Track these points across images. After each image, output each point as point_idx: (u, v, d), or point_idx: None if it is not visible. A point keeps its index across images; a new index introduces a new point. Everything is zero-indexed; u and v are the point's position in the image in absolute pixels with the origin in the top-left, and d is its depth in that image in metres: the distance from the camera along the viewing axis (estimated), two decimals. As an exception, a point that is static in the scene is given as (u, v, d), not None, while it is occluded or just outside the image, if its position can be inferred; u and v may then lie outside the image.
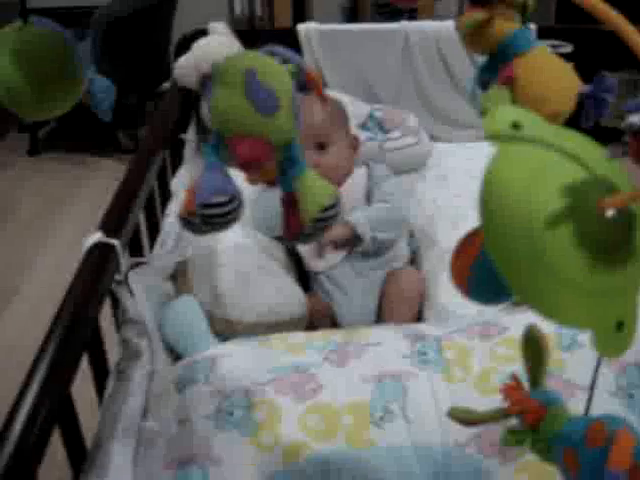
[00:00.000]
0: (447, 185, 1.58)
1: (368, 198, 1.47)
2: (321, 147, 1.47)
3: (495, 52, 0.95)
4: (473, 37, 0.94)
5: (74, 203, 3.13)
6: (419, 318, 1.38)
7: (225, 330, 1.28)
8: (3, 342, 2.36)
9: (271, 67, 0.75)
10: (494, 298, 0.66)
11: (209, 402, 1.03)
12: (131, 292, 1.13)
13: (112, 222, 1.14)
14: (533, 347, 0.73)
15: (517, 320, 1.14)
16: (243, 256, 1.38)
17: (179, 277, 1.34)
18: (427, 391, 1.03)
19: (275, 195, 1.48)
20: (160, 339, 1.13)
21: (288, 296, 1.34)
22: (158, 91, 3.53)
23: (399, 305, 1.37)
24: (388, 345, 1.11)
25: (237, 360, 1.11)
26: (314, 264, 1.44)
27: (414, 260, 1.51)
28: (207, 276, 1.33)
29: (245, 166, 0.78)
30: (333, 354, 1.10)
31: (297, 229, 0.85)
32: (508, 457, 0.97)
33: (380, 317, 1.40)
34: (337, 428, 1.01)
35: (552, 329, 1.08)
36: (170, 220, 1.44)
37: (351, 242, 1.40)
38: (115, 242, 1.10)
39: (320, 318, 1.38)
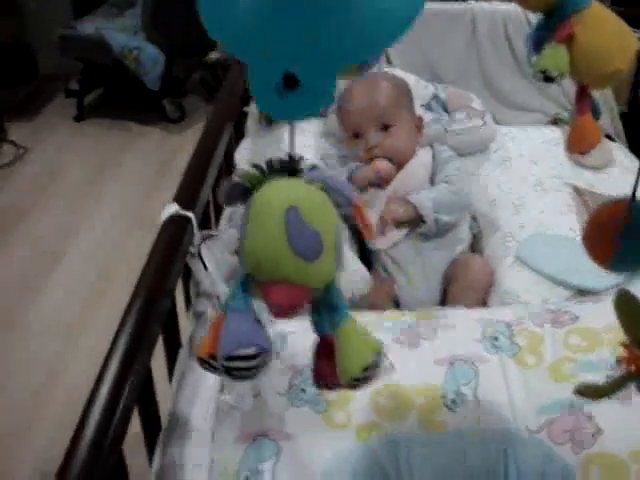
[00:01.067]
0: (510, 169, 1.57)
1: (432, 179, 1.46)
2: (385, 128, 1.46)
3: (550, 10, 0.94)
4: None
5: (120, 170, 3.15)
6: (484, 304, 1.38)
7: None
8: (51, 302, 2.40)
9: (316, 202, 0.63)
10: None
11: (281, 379, 1.04)
12: (204, 265, 1.14)
13: (187, 195, 1.15)
14: (628, 309, 0.71)
15: (588, 309, 1.13)
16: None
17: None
18: (499, 376, 1.03)
19: (336, 170, 1.50)
20: None
21: (351, 272, 1.34)
22: (205, 61, 3.55)
23: (467, 291, 1.36)
24: (459, 329, 1.11)
25: (306, 337, 1.11)
26: (377, 241, 1.43)
27: (475, 244, 1.50)
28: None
29: (278, 311, 0.68)
30: (404, 335, 1.10)
31: (332, 380, 0.74)
32: (580, 446, 0.97)
33: (445, 302, 1.39)
34: (409, 409, 1.01)
35: None
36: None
37: (413, 222, 1.40)
38: (191, 215, 1.10)
39: (382, 297, 1.38)
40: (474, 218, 1.52)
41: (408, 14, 0.55)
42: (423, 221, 1.38)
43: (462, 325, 1.11)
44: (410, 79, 1.62)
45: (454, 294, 1.38)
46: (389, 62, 1.76)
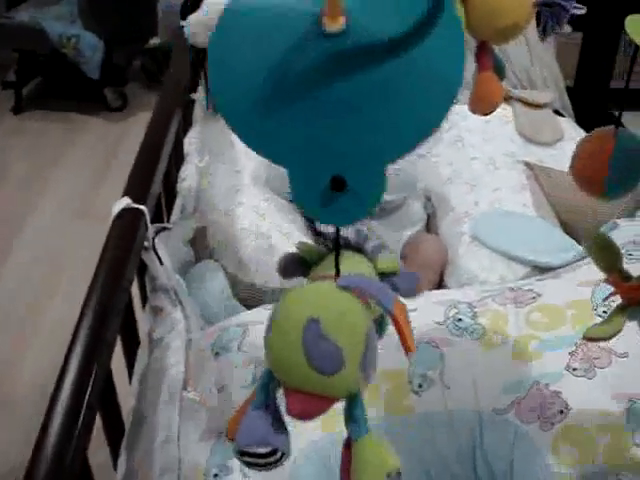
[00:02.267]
0: (463, 148, 1.56)
1: None
2: None
3: None
4: None
5: (63, 162, 3.07)
6: (440, 283, 1.37)
7: (249, 296, 1.26)
8: (1, 298, 2.32)
9: (343, 314, 0.58)
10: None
11: (244, 371, 1.02)
12: (159, 259, 1.11)
13: (138, 187, 1.11)
14: (605, 248, 0.78)
15: (548, 286, 1.13)
16: (264, 220, 1.36)
17: (198, 242, 1.32)
18: (464, 358, 1.03)
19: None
20: (192, 306, 1.11)
21: (311, 261, 1.32)
22: (146, 47, 3.48)
23: (420, 271, 1.36)
24: (422, 312, 1.09)
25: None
26: (324, 226, 1.41)
27: (430, 224, 1.49)
28: (229, 241, 1.31)
29: (295, 416, 0.62)
30: (366, 321, 1.09)
31: None
32: (548, 422, 0.97)
33: None
34: (376, 396, 1.00)
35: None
36: (186, 184, 1.41)
37: None
38: (143, 208, 1.07)
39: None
40: (428, 198, 1.52)
41: (450, 96, 0.53)
42: None
43: (425, 308, 1.10)
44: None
45: (409, 265, 1.37)
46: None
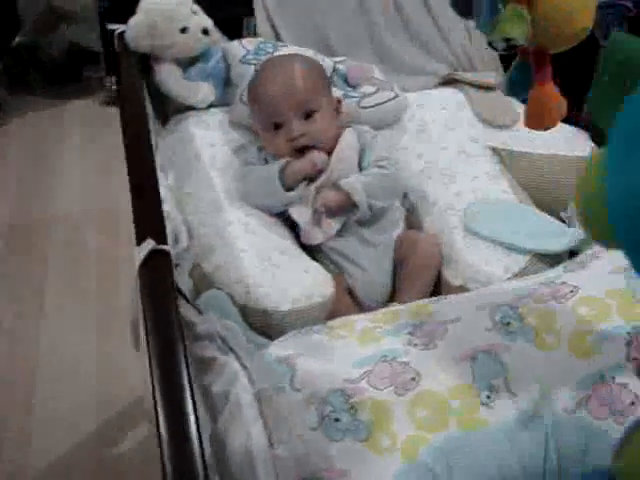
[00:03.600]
0: (429, 138, 1.54)
1: (359, 163, 1.40)
2: (307, 115, 1.37)
3: None
4: None
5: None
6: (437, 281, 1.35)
7: (261, 322, 1.19)
8: None
9: None
10: None
11: (308, 411, 0.96)
12: (187, 300, 1.01)
13: (154, 225, 1.01)
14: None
15: (582, 277, 1.14)
16: (257, 238, 1.28)
17: (194, 271, 1.22)
18: (524, 363, 1.01)
19: (263, 167, 1.39)
20: (245, 349, 1.02)
21: (316, 276, 1.26)
22: (12, 46, 3.21)
23: (421, 271, 1.33)
24: (466, 320, 1.07)
25: (312, 358, 1.03)
26: (313, 236, 1.35)
27: (412, 220, 1.46)
28: (230, 265, 1.22)
29: None
30: (413, 337, 1.05)
31: None
32: (621, 416, 0.97)
33: (399, 285, 1.35)
34: (447, 414, 0.97)
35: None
36: (166, 207, 1.30)
37: (347, 209, 1.34)
38: (168, 249, 0.97)
39: (340, 296, 1.31)
40: (404, 195, 1.48)
41: None
42: (356, 207, 1.33)
43: (467, 315, 1.08)
44: (308, 54, 1.54)
45: (407, 275, 1.34)
46: (279, 39, 1.65)
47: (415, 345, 1.04)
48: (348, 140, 1.41)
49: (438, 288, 1.35)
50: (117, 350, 2.16)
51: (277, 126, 1.38)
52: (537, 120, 1.08)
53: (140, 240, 0.97)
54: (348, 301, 1.32)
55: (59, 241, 2.55)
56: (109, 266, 2.45)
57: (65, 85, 3.33)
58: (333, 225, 1.35)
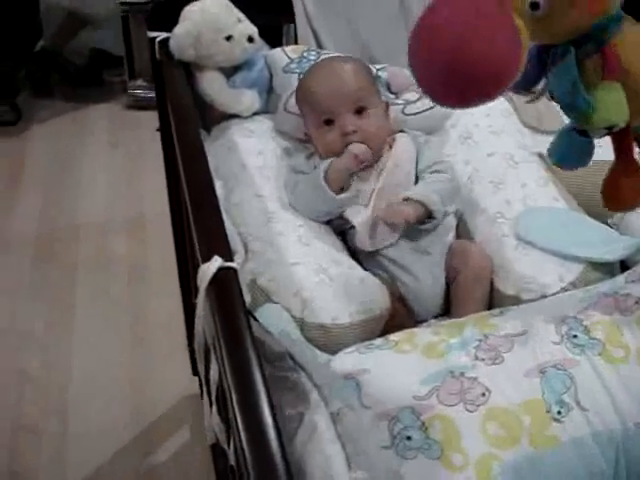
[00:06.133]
0: (475, 145, 1.52)
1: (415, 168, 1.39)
2: (359, 111, 1.36)
3: (579, 38, 0.79)
4: (543, 21, 0.75)
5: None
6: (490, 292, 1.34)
7: (318, 336, 1.17)
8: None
9: None
10: None
11: (379, 429, 0.94)
12: (255, 318, 1.00)
13: (219, 241, 1.00)
14: None
15: (646, 289, 1.12)
16: (310, 248, 1.27)
17: (251, 286, 1.21)
18: (594, 377, 1.00)
19: (309, 176, 1.38)
20: (316, 368, 1.01)
21: (373, 287, 1.24)
22: (35, 51, 3.20)
23: (475, 283, 1.31)
24: (534, 333, 1.06)
25: (379, 374, 1.02)
26: (368, 243, 1.33)
27: (460, 229, 1.44)
28: (284, 279, 1.21)
29: None
30: (481, 352, 1.04)
31: None
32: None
33: (453, 298, 1.34)
34: (519, 431, 0.96)
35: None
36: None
37: (422, 219, 1.32)
38: (236, 266, 0.96)
39: (397, 306, 1.29)
40: (452, 201, 1.46)
41: None
42: (432, 217, 1.31)
43: (534, 328, 1.06)
44: (351, 61, 1.52)
45: (461, 288, 1.32)
46: (319, 45, 1.64)
47: (482, 360, 1.02)
48: (404, 144, 1.40)
49: (490, 297, 1.33)
50: (150, 358, 2.16)
51: (328, 122, 1.37)
52: (620, 202, 1.02)
53: (206, 258, 0.95)
54: (403, 312, 1.30)
55: (87, 249, 2.55)
56: (139, 273, 2.45)
57: (87, 89, 3.33)
58: (395, 233, 1.33)
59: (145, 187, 2.76)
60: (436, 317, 1.35)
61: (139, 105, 3.17)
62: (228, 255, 0.97)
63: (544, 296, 1.24)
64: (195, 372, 2.02)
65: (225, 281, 0.93)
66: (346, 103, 1.35)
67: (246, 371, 0.82)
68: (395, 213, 1.29)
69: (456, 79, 0.77)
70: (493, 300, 1.32)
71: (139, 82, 3.17)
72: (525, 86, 0.89)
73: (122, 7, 2.94)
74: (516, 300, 1.26)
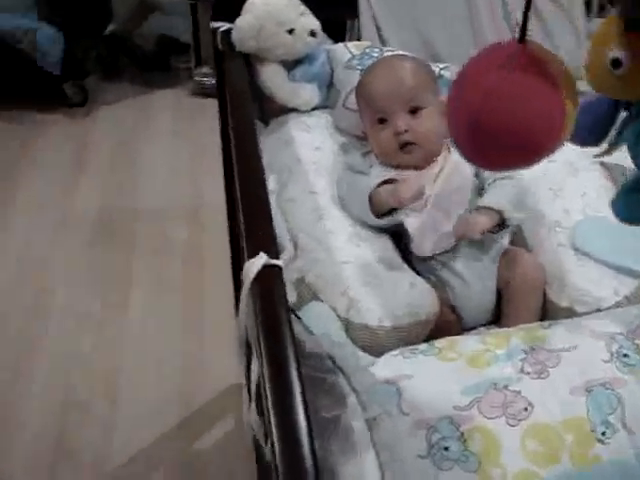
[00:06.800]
0: (535, 149, 1.48)
1: (476, 173, 1.36)
2: (414, 111, 1.34)
3: None
4: (625, 79, 0.72)
5: (27, 166, 2.85)
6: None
7: (363, 337, 1.16)
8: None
9: None
10: None
11: (417, 437, 0.93)
12: (297, 316, 1.00)
13: (266, 239, 0.99)
14: None
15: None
16: (360, 248, 1.26)
17: (298, 283, 1.20)
18: (642, 398, 0.97)
19: (358, 181, 1.36)
20: (356, 372, 1.00)
21: (422, 291, 1.23)
22: (104, 35, 3.26)
23: (527, 297, 1.28)
24: (583, 350, 1.03)
25: (421, 381, 1.01)
26: (424, 248, 1.32)
27: (514, 236, 1.41)
28: (332, 277, 1.20)
29: None
30: (525, 364, 1.01)
31: None
32: None
33: (504, 309, 1.31)
34: (560, 450, 0.93)
35: None
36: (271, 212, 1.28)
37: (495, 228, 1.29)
38: (280, 263, 0.95)
39: (446, 312, 1.27)
40: (509, 207, 1.43)
41: None
42: (505, 225, 1.29)
43: (584, 344, 1.04)
44: (413, 60, 1.50)
45: (513, 298, 1.29)
46: (383, 42, 1.62)
47: (527, 373, 1.00)
48: None
49: (543, 308, 1.30)
50: (201, 345, 2.18)
51: (382, 121, 1.35)
52: None
53: (252, 254, 0.95)
54: (451, 318, 1.28)
55: (145, 233, 2.59)
56: (195, 261, 2.47)
57: (154, 74, 3.38)
58: (451, 239, 1.31)
59: (205, 174, 2.78)
60: (485, 325, 1.32)
61: (204, 92, 3.20)
62: (274, 252, 0.96)
63: (598, 309, 1.21)
64: (244, 360, 2.03)
65: (269, 279, 0.92)
66: (400, 102, 1.33)
67: (283, 372, 0.82)
68: (472, 227, 1.26)
69: (478, 146, 0.77)
70: (546, 312, 1.29)
71: (205, 69, 3.20)
72: (594, 141, 0.88)
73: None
74: (570, 312, 1.23)
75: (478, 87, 0.74)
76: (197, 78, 3.24)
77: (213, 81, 3.14)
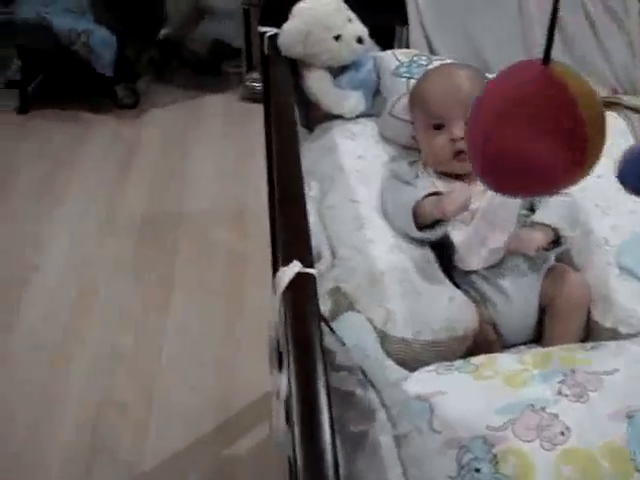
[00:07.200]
0: (584, 165, 1.44)
1: None
2: None
3: None
4: None
5: (77, 166, 2.89)
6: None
7: (399, 350, 1.14)
8: (28, 331, 2.19)
9: None
10: None
11: (447, 457, 0.90)
12: (329, 327, 0.98)
13: (301, 247, 0.97)
14: None
15: None
16: (400, 259, 1.23)
17: (334, 292, 1.18)
18: (686, 427, 0.93)
19: (402, 191, 1.33)
20: (386, 387, 0.98)
21: (461, 306, 1.19)
22: (157, 39, 3.29)
23: (571, 316, 1.24)
24: (625, 373, 0.99)
25: (454, 398, 0.98)
26: (471, 261, 1.28)
27: (561, 253, 1.37)
28: (370, 288, 1.17)
29: None
30: (564, 386, 0.98)
31: None
32: None
33: (547, 327, 1.27)
34: (596, 477, 0.90)
35: None
36: (310, 221, 1.26)
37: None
38: (314, 272, 0.94)
39: (486, 328, 1.24)
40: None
41: None
42: (559, 243, 1.26)
43: (626, 368, 1.00)
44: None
45: (556, 317, 1.25)
46: (431, 50, 1.60)
47: (566, 395, 0.96)
48: None
49: (586, 327, 1.26)
50: (240, 351, 2.18)
51: (438, 127, 1.33)
52: None
53: (286, 261, 0.93)
54: (491, 335, 1.24)
55: (189, 236, 2.59)
56: (237, 265, 2.47)
57: (205, 78, 3.39)
58: (499, 255, 1.28)
59: (251, 179, 2.78)
60: (525, 344, 1.29)
61: (254, 97, 3.20)
62: (309, 260, 0.94)
63: (643, 332, 1.17)
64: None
65: (302, 288, 0.91)
66: (458, 109, 1.30)
67: (311, 384, 0.80)
68: (527, 243, 1.23)
69: (486, 169, 0.74)
70: (589, 332, 1.25)
71: (255, 75, 3.21)
72: None
73: (243, 0, 2.98)
74: (614, 333, 1.19)
75: (491, 109, 0.72)
76: (248, 83, 3.25)
77: (263, 86, 3.16)
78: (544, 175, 0.72)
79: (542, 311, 1.28)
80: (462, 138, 1.30)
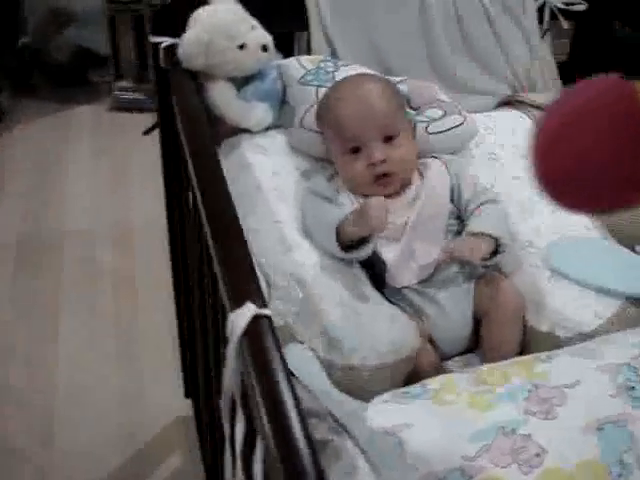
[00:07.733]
0: (500, 167, 1.43)
1: (451, 197, 1.29)
2: (388, 139, 1.26)
3: None
4: None
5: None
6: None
7: (346, 379, 1.08)
8: None
9: None
10: None
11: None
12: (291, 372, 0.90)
13: (249, 285, 0.89)
14: None
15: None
16: (334, 281, 1.17)
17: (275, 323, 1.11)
18: (655, 434, 0.92)
19: (323, 211, 1.27)
20: (363, 431, 0.91)
21: (403, 325, 1.15)
22: (16, 47, 3.07)
23: (511, 327, 1.22)
24: (587, 384, 0.97)
25: (422, 430, 0.93)
26: (403, 277, 1.24)
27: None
28: (309, 316, 1.11)
29: None
30: (530, 403, 0.95)
31: None
32: None
33: (484, 335, 1.24)
34: (577, 494, 0.88)
35: None
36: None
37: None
38: (269, 313, 0.86)
39: (426, 348, 1.20)
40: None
41: None
42: (498, 252, 1.23)
43: (588, 378, 0.98)
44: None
45: (494, 326, 1.23)
46: (334, 55, 1.54)
47: (534, 414, 0.94)
48: (437, 172, 1.30)
49: (522, 332, 1.25)
50: (139, 377, 2.06)
51: (355, 150, 1.27)
52: None
53: (237, 304, 0.85)
54: (429, 348, 1.21)
55: (72, 258, 2.43)
56: (126, 285, 2.34)
57: (71, 89, 3.20)
58: (429, 269, 1.24)
59: (131, 193, 2.64)
60: (462, 354, 1.26)
61: (124, 107, 3.06)
62: (261, 299, 0.86)
63: (581, 334, 1.16)
64: (188, 394, 1.92)
65: (261, 334, 0.82)
66: (374, 131, 1.24)
67: (291, 439, 0.72)
68: (473, 250, 1.20)
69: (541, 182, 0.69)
70: (525, 336, 1.24)
71: (124, 83, 3.06)
72: None
73: (109, 6, 2.82)
74: (551, 337, 1.18)
75: (548, 125, 0.67)
76: (116, 92, 3.10)
77: (134, 95, 3.02)
78: (592, 198, 0.67)
79: (476, 320, 1.26)
80: (383, 161, 1.25)
